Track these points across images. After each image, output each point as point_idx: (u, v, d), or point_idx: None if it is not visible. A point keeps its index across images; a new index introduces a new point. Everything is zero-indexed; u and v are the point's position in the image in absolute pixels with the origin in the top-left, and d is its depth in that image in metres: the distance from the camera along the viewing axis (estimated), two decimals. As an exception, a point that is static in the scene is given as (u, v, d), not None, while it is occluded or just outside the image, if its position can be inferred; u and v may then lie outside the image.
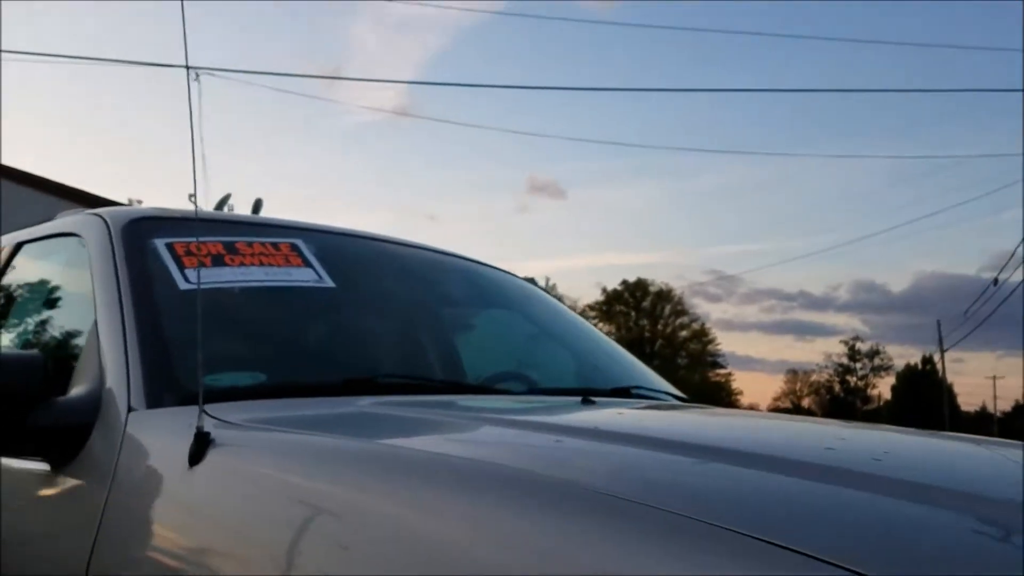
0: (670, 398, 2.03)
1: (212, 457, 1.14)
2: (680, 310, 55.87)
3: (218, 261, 1.76)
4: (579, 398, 1.65)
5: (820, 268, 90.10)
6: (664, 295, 55.31)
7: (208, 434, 1.16)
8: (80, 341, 1.63)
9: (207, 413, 1.19)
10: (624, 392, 1.91)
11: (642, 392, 1.97)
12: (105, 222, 1.78)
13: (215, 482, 1.12)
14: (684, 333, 55.36)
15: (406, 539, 0.84)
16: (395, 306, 2.09)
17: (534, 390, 1.95)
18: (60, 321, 1.92)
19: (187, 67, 1.37)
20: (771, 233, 77.01)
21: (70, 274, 1.93)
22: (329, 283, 1.85)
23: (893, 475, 0.93)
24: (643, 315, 54.15)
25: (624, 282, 55.42)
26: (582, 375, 2.15)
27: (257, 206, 9.43)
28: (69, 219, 1.98)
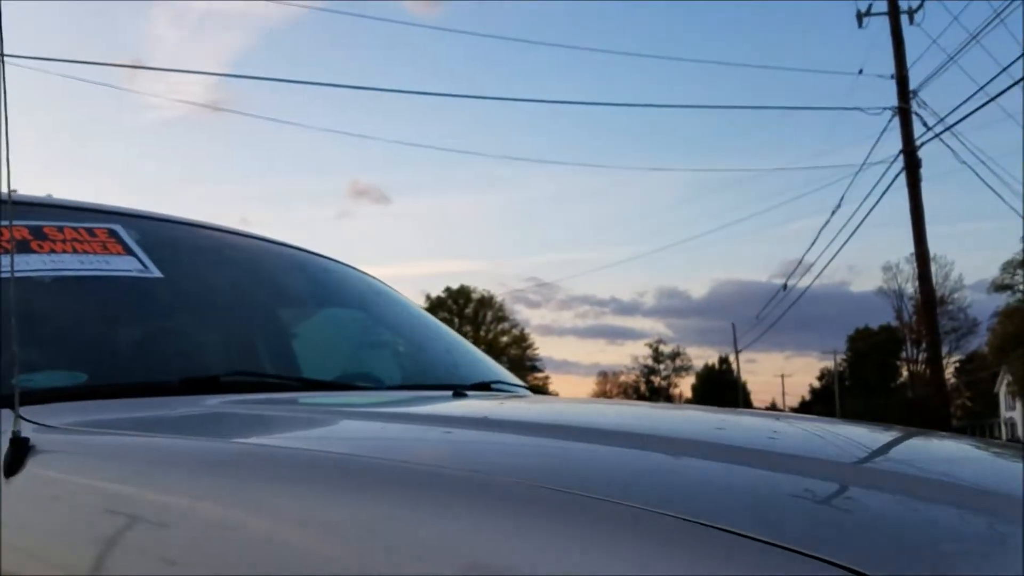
0: (528, 391, 1.99)
1: (32, 466, 0.98)
2: (501, 316, 57.01)
3: (24, 247, 1.54)
4: (448, 392, 1.56)
5: (629, 275, 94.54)
6: (486, 302, 56.21)
7: (27, 440, 1.00)
8: None
9: (22, 417, 1.02)
10: (485, 387, 1.84)
11: (502, 387, 1.92)
12: None
13: (38, 493, 0.96)
14: (505, 339, 56.49)
15: (279, 550, 0.73)
16: (231, 299, 1.91)
17: (395, 386, 1.84)
18: None
19: None
20: (587, 242, 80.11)
21: None
22: (156, 273, 1.66)
23: (794, 452, 0.93)
24: (466, 321, 54.68)
25: (447, 289, 55.83)
26: (440, 371, 2.06)
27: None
28: None
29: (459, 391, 1.57)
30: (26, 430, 1.01)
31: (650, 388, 66.69)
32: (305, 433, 1.16)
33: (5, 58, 1.19)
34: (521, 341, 57.46)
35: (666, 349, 67.86)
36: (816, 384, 62.16)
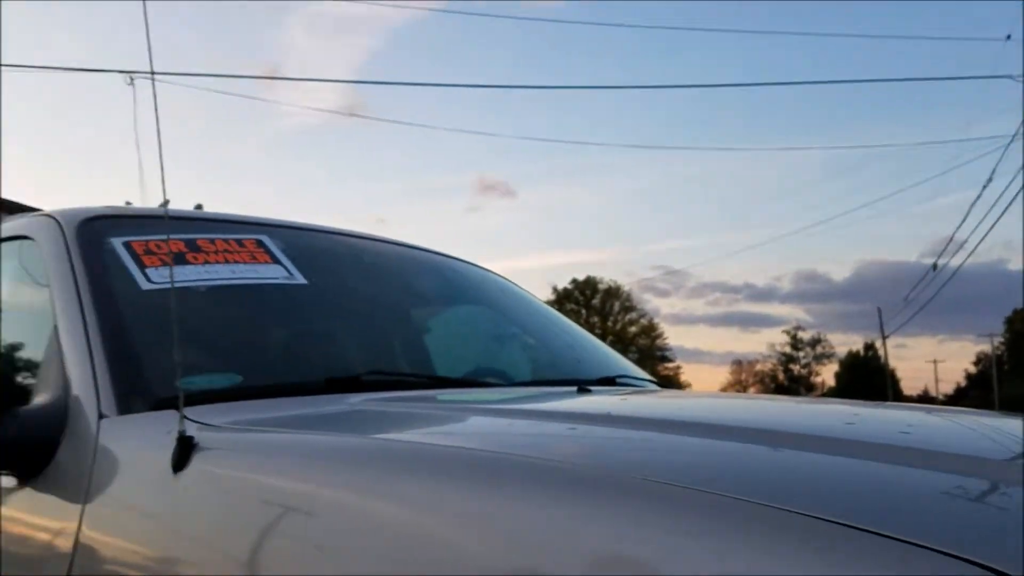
0: (654, 385, 2.00)
1: (197, 462, 1.07)
2: (629, 306, 56.52)
3: (180, 259, 1.67)
4: (573, 388, 1.60)
5: (763, 260, 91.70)
6: (613, 292, 55.85)
7: (191, 438, 1.09)
8: (38, 348, 1.53)
9: (187, 417, 1.12)
10: (610, 381, 1.86)
11: (627, 381, 1.93)
12: (58, 223, 1.67)
13: (203, 488, 1.05)
14: (633, 329, 55.98)
15: (418, 540, 0.79)
16: (369, 302, 2.02)
17: (520, 383, 1.89)
18: (15, 328, 1.80)
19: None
20: (716, 227, 78.14)
21: (22, 279, 1.82)
22: (300, 280, 1.78)
23: (927, 447, 0.91)
24: (593, 312, 54.55)
25: (574, 280, 55.81)
26: (565, 367, 2.10)
27: (198, 213, 9.22)
28: (17, 222, 1.87)
29: (583, 387, 1.60)
30: (190, 429, 1.10)
31: (789, 377, 64.55)
32: (440, 429, 1.21)
33: (155, 76, 1.30)
34: (650, 331, 56.79)
35: (805, 336, 65.46)
36: (972, 369, 58.65)
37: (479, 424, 1.20)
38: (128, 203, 2.04)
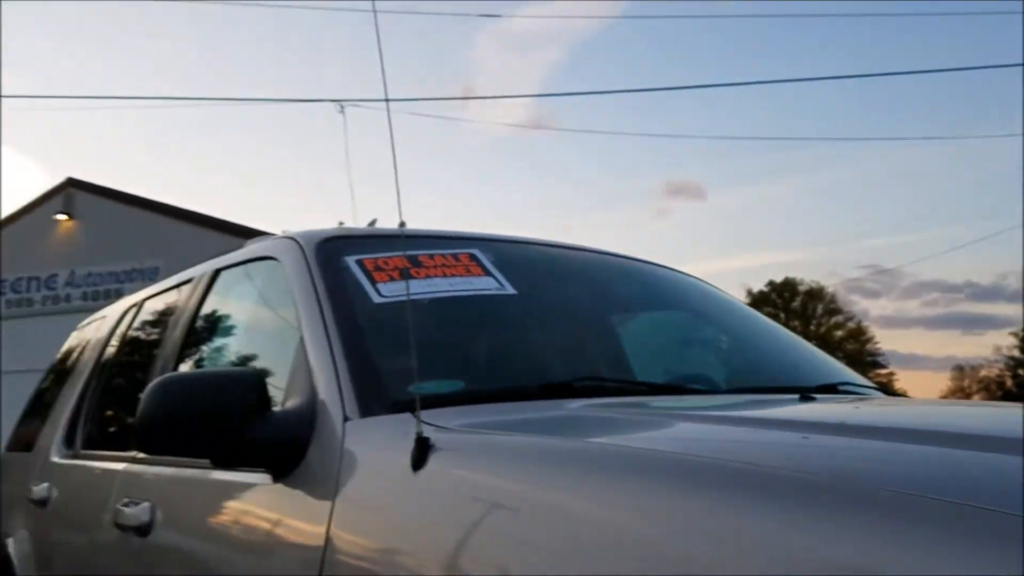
0: (879, 393, 1.91)
1: (433, 462, 1.15)
2: (833, 308, 53.52)
3: (405, 274, 1.81)
4: (795, 395, 1.56)
5: (988, 255, 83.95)
6: (815, 294, 53.14)
7: (428, 439, 1.17)
8: (284, 358, 1.70)
9: (423, 420, 1.21)
10: (831, 389, 1.81)
11: (849, 388, 1.86)
12: (299, 244, 1.86)
13: (441, 486, 1.13)
14: (839, 333, 52.96)
15: (656, 546, 0.81)
16: (575, 310, 2.08)
17: (736, 389, 1.87)
18: (263, 340, 2.01)
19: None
20: (934, 221, 72.21)
21: (267, 295, 2.03)
22: (510, 290, 1.87)
23: None
24: (793, 316, 52.16)
25: (770, 282, 53.73)
26: (780, 373, 2.05)
27: (402, 230, 9.73)
28: (262, 244, 2.09)
29: (805, 394, 1.57)
30: (426, 431, 1.19)
31: (1017, 383, 58.77)
32: (658, 434, 1.24)
33: (390, 103, 1.41)
34: (858, 335, 53.49)
35: (1037, 337, 59.31)
36: None
37: (703, 431, 1.20)
38: (372, 221, 2.21)
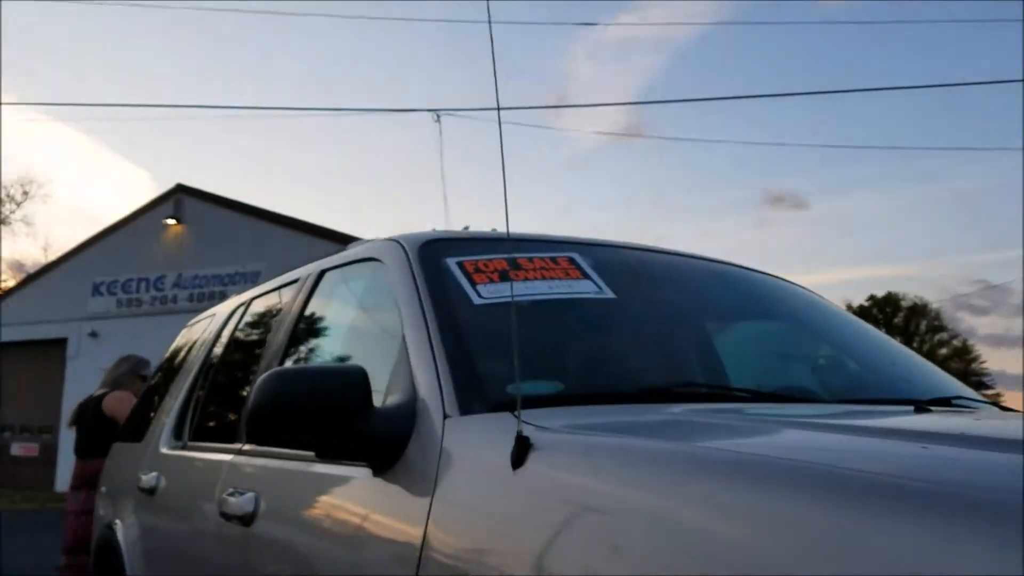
0: (995, 407, 1.82)
1: (533, 461, 1.15)
2: (937, 326, 51.35)
3: (504, 277, 1.82)
4: (909, 407, 1.51)
5: (1106, 273, 78.80)
6: (918, 310, 51.08)
7: (528, 438, 1.18)
8: (386, 355, 1.73)
9: (523, 420, 1.21)
10: (945, 402, 1.73)
11: (964, 402, 1.78)
12: (402, 246, 1.90)
13: (541, 485, 1.13)
14: (943, 351, 50.73)
15: (757, 553, 0.79)
16: (673, 315, 2.06)
17: (843, 400, 1.82)
18: (366, 338, 2.06)
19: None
20: (1043, 236, 68.48)
21: (371, 295, 2.07)
22: (609, 294, 1.86)
23: None
24: (895, 332, 50.24)
25: (872, 297, 51.91)
26: (891, 385, 1.98)
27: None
28: (367, 246, 2.14)
29: (921, 406, 1.51)
30: (525, 430, 1.19)
31: None
32: (767, 440, 1.20)
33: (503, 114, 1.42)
34: (964, 353, 51.15)
35: None
36: None
37: (810, 438, 1.16)
38: (466, 227, 2.24)
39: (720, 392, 1.76)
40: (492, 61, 1.31)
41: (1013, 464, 0.88)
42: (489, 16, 1.31)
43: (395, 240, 1.96)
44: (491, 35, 1.30)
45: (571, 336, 1.84)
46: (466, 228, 2.30)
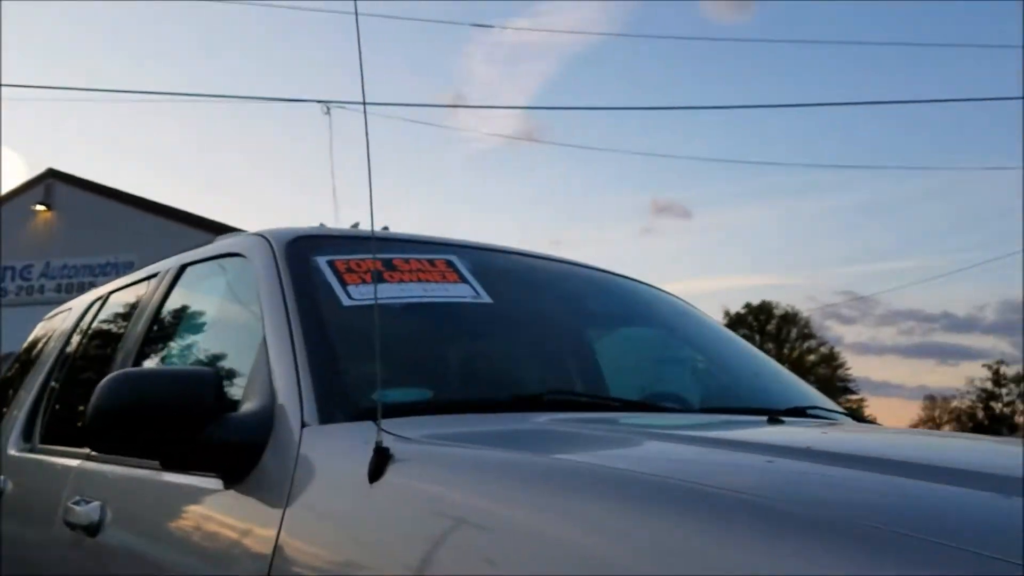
0: (848, 418, 1.89)
1: (392, 474, 1.11)
2: (807, 333, 53.98)
3: (377, 278, 1.75)
4: (763, 417, 1.53)
5: (964, 287, 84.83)
6: (789, 318, 53.58)
7: (387, 449, 1.13)
8: (246, 357, 1.64)
9: (384, 429, 1.16)
10: (800, 412, 1.78)
11: (819, 412, 1.83)
12: (268, 241, 1.80)
13: (396, 499, 1.08)
14: (812, 357, 53.38)
15: (609, 565, 0.78)
16: (550, 322, 2.04)
17: (705, 409, 1.84)
18: (226, 338, 1.95)
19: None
20: (912, 251, 72.89)
21: (234, 292, 1.97)
22: (486, 299, 1.82)
23: None
24: (768, 339, 52.47)
25: (747, 305, 54.06)
26: (750, 395, 2.02)
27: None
28: (231, 240, 2.03)
29: (774, 416, 1.54)
30: (386, 441, 1.13)
31: (989, 416, 59.33)
32: (627, 453, 1.20)
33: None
34: (831, 360, 53.95)
35: (1010, 371, 59.95)
36: None
37: (668, 451, 1.17)
38: (355, 224, 2.17)
39: (591, 401, 1.75)
40: (359, 57, 1.26)
41: (847, 480, 0.91)
42: (356, 11, 1.25)
43: (261, 235, 1.86)
44: (357, 28, 1.25)
45: (445, 342, 1.80)
46: (355, 225, 2.23)
